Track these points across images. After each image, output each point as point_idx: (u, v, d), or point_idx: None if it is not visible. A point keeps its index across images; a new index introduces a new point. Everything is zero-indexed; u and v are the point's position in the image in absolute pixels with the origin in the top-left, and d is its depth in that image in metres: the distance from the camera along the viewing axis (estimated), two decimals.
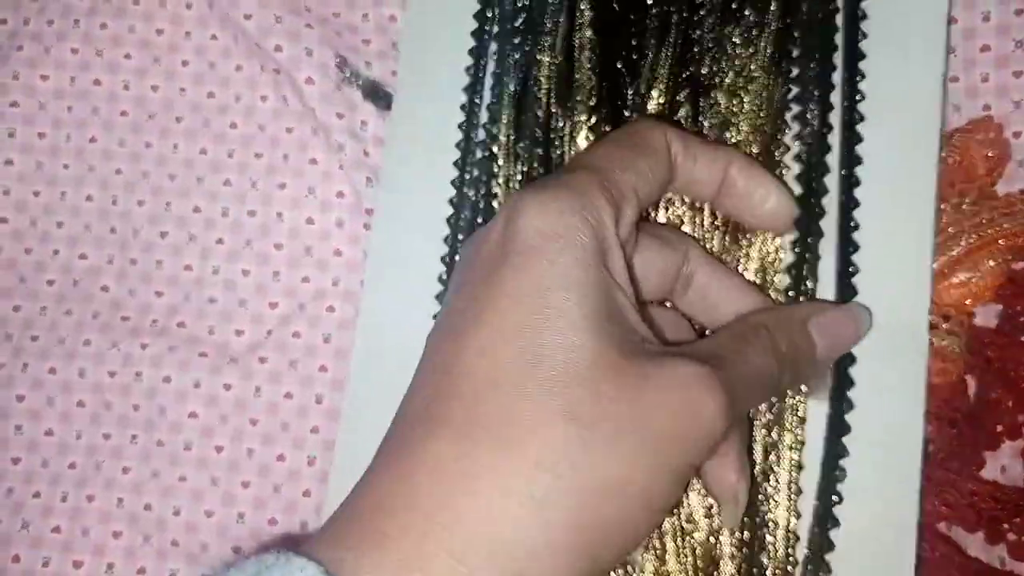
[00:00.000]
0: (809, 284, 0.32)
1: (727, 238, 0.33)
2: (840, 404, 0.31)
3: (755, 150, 0.33)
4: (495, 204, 0.34)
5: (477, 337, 0.22)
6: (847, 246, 0.33)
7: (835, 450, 0.31)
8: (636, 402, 0.22)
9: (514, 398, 0.21)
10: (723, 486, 0.28)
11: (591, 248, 0.23)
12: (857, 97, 0.34)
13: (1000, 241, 0.36)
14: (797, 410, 0.31)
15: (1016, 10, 0.37)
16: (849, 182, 0.33)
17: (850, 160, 0.33)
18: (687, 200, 0.33)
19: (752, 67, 0.34)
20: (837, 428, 0.31)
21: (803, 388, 0.31)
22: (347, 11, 0.39)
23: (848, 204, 0.33)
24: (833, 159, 0.33)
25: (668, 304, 0.31)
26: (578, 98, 0.34)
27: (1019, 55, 0.37)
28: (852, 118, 0.34)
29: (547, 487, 0.20)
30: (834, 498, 0.31)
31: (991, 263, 0.36)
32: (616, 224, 0.24)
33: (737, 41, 0.34)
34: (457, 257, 0.34)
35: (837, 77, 0.34)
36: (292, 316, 0.38)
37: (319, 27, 0.39)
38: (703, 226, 0.33)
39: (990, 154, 0.37)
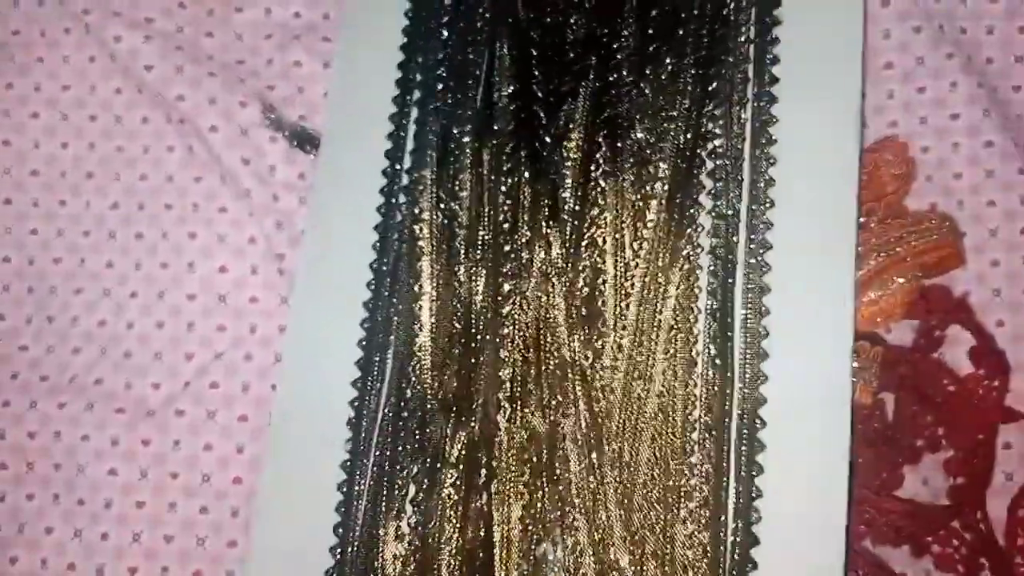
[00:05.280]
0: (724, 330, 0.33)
1: (648, 274, 0.33)
2: (753, 424, 0.32)
3: (670, 188, 0.34)
4: (419, 245, 0.34)
5: None
6: (759, 291, 0.33)
7: (750, 469, 0.32)
8: None
9: None
10: None
11: None
12: (766, 142, 0.34)
13: (909, 259, 0.36)
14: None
15: (914, 27, 0.37)
16: (759, 219, 0.33)
17: (760, 198, 0.34)
18: (609, 226, 0.33)
19: (669, 110, 0.34)
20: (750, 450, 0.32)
21: None
22: (251, 57, 0.39)
23: (759, 247, 0.33)
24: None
25: None
26: (496, 141, 0.35)
27: (921, 71, 0.37)
28: (762, 165, 0.34)
29: None
30: (753, 515, 0.31)
31: (901, 280, 0.36)
32: None
33: (655, 84, 0.35)
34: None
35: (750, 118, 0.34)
36: (209, 366, 0.38)
37: (221, 73, 0.39)
38: (624, 258, 0.33)
39: (896, 172, 0.37)
